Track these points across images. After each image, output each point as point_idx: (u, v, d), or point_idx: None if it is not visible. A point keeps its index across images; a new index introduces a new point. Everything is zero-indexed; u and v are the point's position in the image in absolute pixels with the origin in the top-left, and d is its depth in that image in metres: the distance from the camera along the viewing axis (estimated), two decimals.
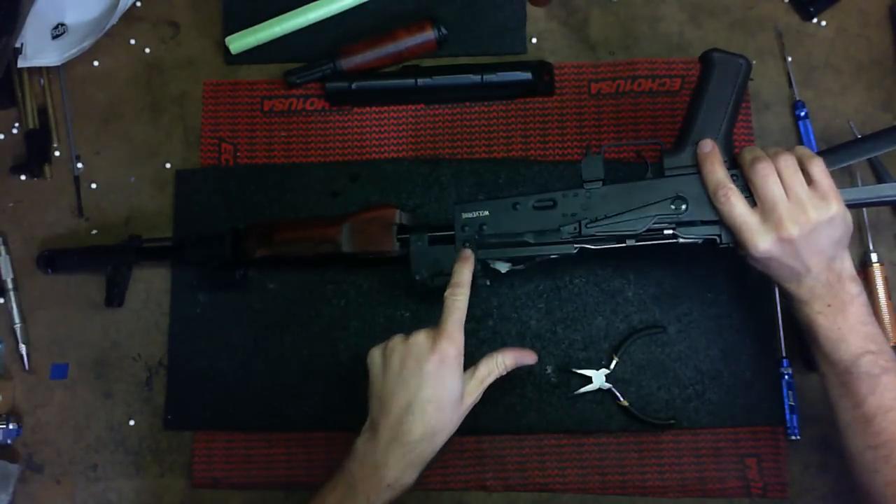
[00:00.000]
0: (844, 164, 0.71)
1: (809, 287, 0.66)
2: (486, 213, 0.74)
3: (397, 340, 0.69)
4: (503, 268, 0.75)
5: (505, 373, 0.71)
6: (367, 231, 0.77)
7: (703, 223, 0.70)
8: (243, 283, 0.83)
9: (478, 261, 0.73)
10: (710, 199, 0.69)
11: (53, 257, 0.84)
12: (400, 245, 0.76)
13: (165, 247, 0.83)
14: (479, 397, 0.70)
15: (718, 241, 0.69)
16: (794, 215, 0.64)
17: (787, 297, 0.69)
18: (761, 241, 0.65)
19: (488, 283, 0.77)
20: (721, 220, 0.68)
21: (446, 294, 0.70)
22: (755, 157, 0.67)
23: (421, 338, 0.68)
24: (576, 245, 0.72)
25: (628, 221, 0.71)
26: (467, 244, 0.74)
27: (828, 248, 0.66)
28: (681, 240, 0.70)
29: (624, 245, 0.72)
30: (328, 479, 0.68)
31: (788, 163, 0.66)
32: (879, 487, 0.64)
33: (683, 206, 0.70)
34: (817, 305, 0.66)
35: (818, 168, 0.65)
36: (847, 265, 0.67)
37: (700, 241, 0.70)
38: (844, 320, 0.66)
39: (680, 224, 0.70)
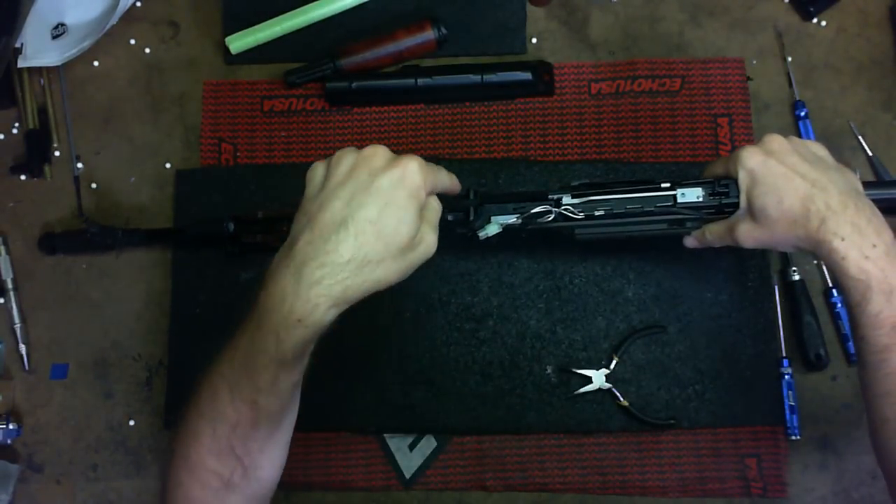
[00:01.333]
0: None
1: (840, 217, 0.60)
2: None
3: (350, 149, 0.58)
4: (493, 229, 0.72)
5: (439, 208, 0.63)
6: None
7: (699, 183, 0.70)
8: (232, 240, 0.82)
9: (470, 222, 0.72)
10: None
11: (55, 239, 0.85)
12: None
13: (166, 230, 0.85)
14: (432, 250, 0.60)
15: (715, 185, 0.68)
16: (778, 135, 0.65)
17: (830, 256, 0.61)
18: (749, 152, 0.64)
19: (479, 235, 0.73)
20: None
21: None
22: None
23: (381, 150, 0.57)
24: (571, 188, 0.72)
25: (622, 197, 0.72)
26: (471, 194, 0.72)
27: (832, 172, 0.62)
28: (679, 191, 0.70)
29: (615, 195, 0.71)
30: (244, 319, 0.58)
31: None
32: None
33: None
34: (865, 244, 0.59)
35: None
36: (877, 212, 0.61)
37: (699, 195, 0.69)
38: (893, 265, 0.59)
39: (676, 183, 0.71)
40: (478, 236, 0.72)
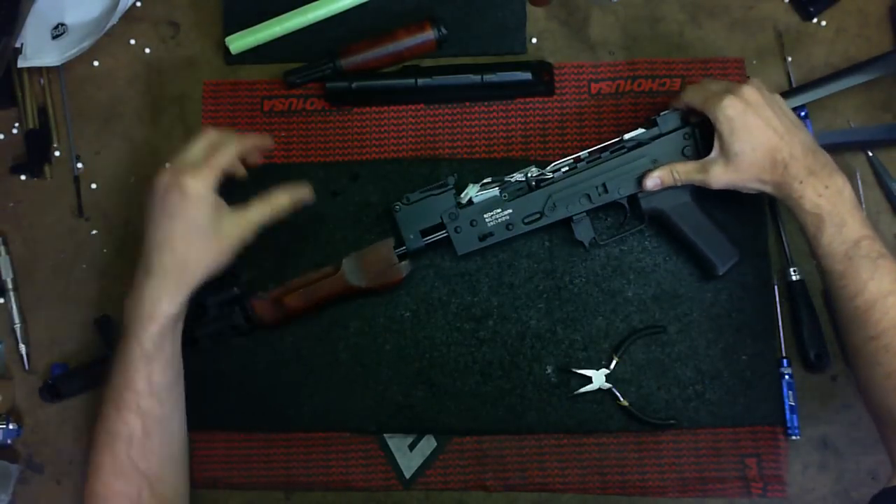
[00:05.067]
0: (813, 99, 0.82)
1: (799, 164, 0.70)
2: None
3: (158, 179, 0.70)
4: (473, 191, 0.79)
5: (281, 215, 0.75)
6: (372, 267, 0.80)
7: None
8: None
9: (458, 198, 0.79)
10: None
11: (57, 384, 0.82)
12: (408, 264, 0.80)
13: None
14: (250, 238, 0.72)
15: (691, 132, 0.77)
16: (753, 87, 0.72)
17: (789, 196, 0.71)
18: (730, 101, 0.71)
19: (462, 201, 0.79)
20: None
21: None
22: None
23: (165, 176, 0.70)
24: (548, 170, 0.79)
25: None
26: (451, 182, 0.79)
27: (794, 127, 0.71)
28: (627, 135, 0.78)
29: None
30: None
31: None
32: (879, 380, 0.67)
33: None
34: (818, 186, 0.69)
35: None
36: (830, 160, 0.71)
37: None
38: (843, 203, 0.69)
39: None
40: (463, 204, 0.79)
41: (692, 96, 0.75)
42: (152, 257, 0.69)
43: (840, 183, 0.70)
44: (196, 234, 0.69)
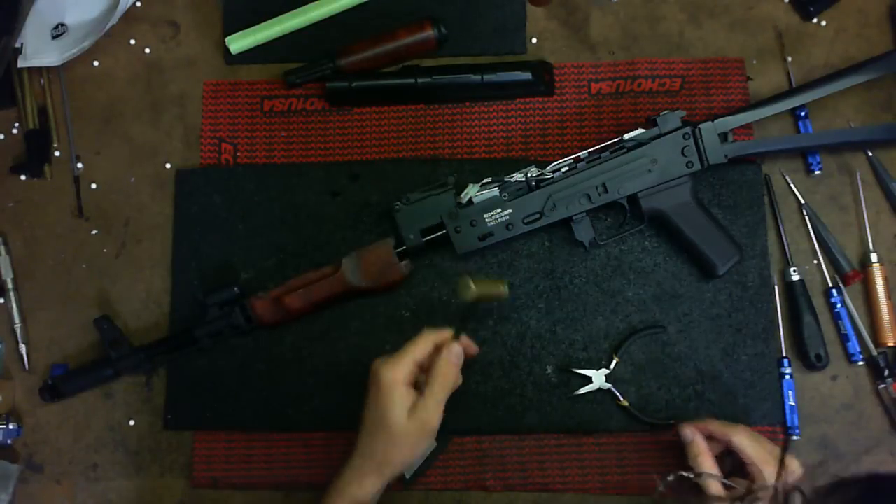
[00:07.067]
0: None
1: None
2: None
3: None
4: (474, 190, 0.79)
5: (459, 383, 0.73)
6: (372, 267, 0.80)
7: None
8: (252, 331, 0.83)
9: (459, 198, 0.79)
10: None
11: (57, 384, 0.82)
12: (408, 264, 0.81)
13: (173, 337, 0.82)
14: (440, 417, 0.69)
15: (691, 132, 0.78)
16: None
17: None
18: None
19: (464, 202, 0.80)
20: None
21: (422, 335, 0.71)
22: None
23: (371, 369, 0.71)
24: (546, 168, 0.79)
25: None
26: (451, 181, 0.79)
27: None
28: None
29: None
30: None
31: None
32: None
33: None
34: None
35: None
36: None
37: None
38: None
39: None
40: (463, 204, 0.79)
41: (750, 449, 0.70)
42: (361, 436, 0.70)
43: None
44: (389, 428, 0.68)
